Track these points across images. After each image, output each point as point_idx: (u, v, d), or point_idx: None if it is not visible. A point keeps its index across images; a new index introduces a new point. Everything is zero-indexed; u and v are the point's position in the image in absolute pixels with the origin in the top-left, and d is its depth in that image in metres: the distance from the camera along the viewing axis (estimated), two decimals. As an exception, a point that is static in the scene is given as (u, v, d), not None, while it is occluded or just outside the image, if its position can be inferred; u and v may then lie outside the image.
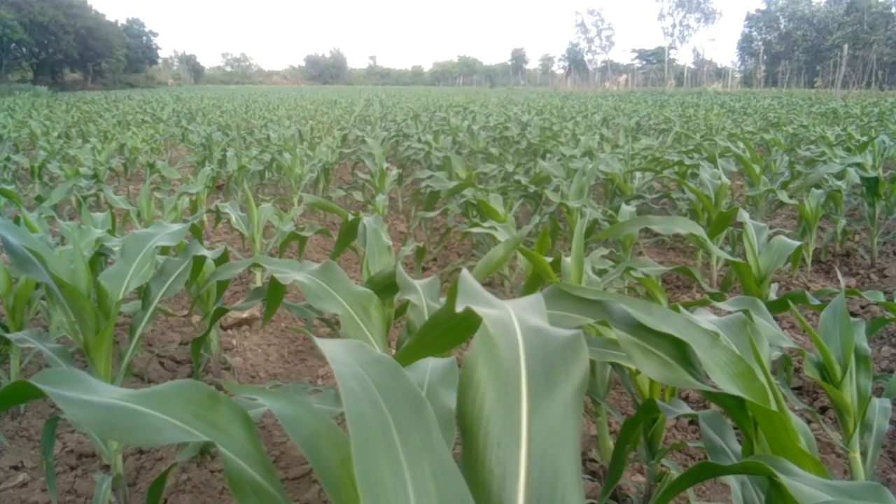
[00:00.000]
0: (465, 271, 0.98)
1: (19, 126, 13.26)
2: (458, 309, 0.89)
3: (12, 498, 2.12)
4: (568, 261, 2.08)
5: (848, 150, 6.82)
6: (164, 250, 2.43)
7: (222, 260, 2.41)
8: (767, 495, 1.09)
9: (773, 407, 1.10)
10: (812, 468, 1.07)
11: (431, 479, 0.60)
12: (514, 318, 0.86)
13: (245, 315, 3.54)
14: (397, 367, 0.76)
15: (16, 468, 2.29)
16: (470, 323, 1.12)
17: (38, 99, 31.54)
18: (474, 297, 0.94)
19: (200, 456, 2.29)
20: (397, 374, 0.75)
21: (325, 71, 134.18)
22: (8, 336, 1.96)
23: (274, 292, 1.92)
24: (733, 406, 1.15)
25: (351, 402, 0.66)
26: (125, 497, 1.90)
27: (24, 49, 59.22)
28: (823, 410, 2.70)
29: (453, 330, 1.14)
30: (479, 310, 0.85)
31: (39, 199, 5.04)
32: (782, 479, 0.91)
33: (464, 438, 0.69)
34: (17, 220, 3.07)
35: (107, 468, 2.20)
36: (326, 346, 0.80)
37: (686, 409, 1.48)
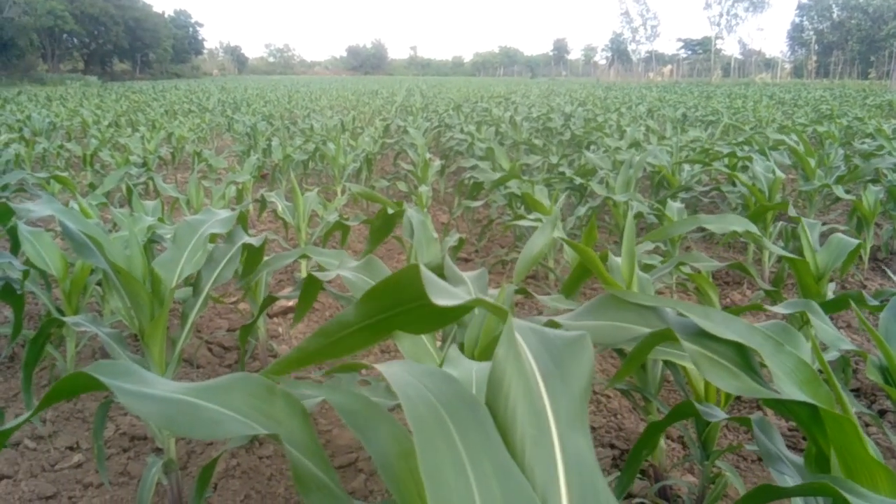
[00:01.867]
0: (422, 267, 0.96)
1: (71, 115, 13.64)
2: (444, 303, 0.88)
3: (68, 478, 2.18)
4: (618, 260, 2.03)
5: (907, 143, 6.57)
6: (212, 237, 2.46)
7: (262, 248, 2.41)
8: (833, 511, 1.05)
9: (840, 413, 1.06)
10: (883, 477, 1.03)
11: (493, 477, 0.61)
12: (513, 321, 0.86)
13: (291, 303, 3.57)
14: (448, 375, 0.78)
15: (71, 449, 2.35)
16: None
17: (89, 88, 32.40)
18: (442, 291, 0.93)
19: (250, 443, 2.32)
20: (449, 380, 0.77)
21: (367, 61, 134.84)
22: (65, 319, 2.01)
23: (309, 288, 1.89)
24: (803, 414, 1.10)
25: (410, 408, 0.67)
26: (177, 481, 1.94)
27: (75, 40, 60.86)
28: (882, 414, 2.61)
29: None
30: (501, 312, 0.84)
31: (92, 187, 5.17)
32: (851, 500, 0.88)
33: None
34: (68, 206, 3.15)
35: (159, 451, 2.25)
36: (383, 368, 0.81)
37: (721, 415, 1.43)
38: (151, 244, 2.84)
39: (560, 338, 0.86)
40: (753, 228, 2.29)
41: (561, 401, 0.72)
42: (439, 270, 1.75)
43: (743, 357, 1.12)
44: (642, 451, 1.57)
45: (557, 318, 1.20)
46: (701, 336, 1.12)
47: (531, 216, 3.43)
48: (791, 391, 1.05)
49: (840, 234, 2.48)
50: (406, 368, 0.76)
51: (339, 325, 1.05)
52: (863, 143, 7.23)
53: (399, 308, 1.07)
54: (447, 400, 0.68)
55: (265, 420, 0.89)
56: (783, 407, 1.09)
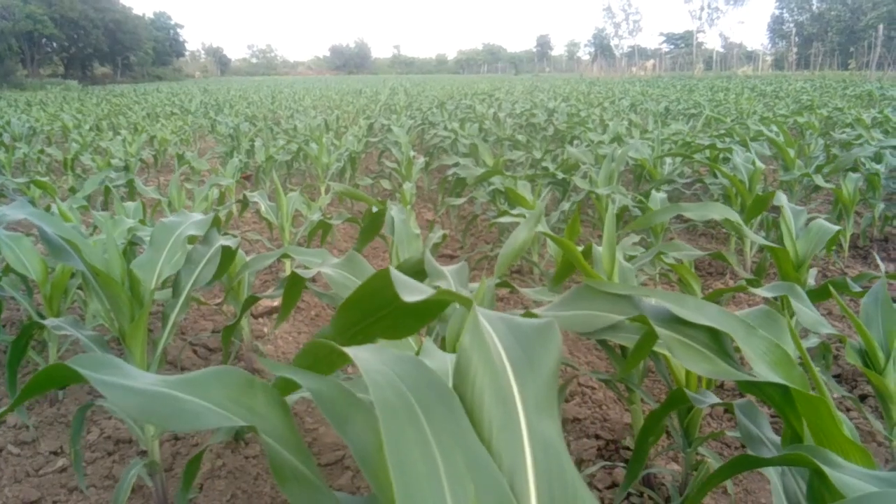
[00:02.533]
0: (391, 269, 0.97)
1: (52, 119, 13.51)
2: (411, 299, 0.89)
3: (52, 482, 2.17)
4: (599, 249, 2.05)
5: (885, 132, 6.64)
6: (191, 239, 2.45)
7: (236, 249, 2.39)
8: (809, 485, 1.06)
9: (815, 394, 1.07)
10: (857, 456, 1.04)
11: (464, 466, 0.60)
12: (476, 308, 0.87)
13: (275, 303, 3.56)
14: (419, 361, 0.78)
15: (55, 454, 2.33)
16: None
17: (69, 93, 32.10)
18: (411, 289, 0.94)
19: (235, 442, 2.31)
20: (420, 366, 0.76)
21: (350, 61, 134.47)
22: (44, 322, 1.99)
23: (293, 287, 1.88)
24: (776, 395, 1.12)
25: (378, 393, 0.66)
26: (162, 482, 1.93)
27: (54, 44, 60.29)
28: (863, 398, 2.64)
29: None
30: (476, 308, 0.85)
31: (73, 191, 5.12)
32: (826, 469, 0.89)
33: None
34: (48, 209, 3.12)
35: (143, 454, 2.24)
36: (352, 351, 0.80)
37: (715, 399, 1.45)
38: (133, 246, 2.83)
39: (528, 325, 0.86)
40: (733, 216, 2.30)
41: (529, 386, 0.73)
42: (420, 266, 1.76)
43: (716, 341, 1.13)
44: (648, 440, 1.58)
45: (535, 311, 1.21)
46: (675, 322, 1.13)
47: (515, 211, 3.44)
48: (764, 373, 1.06)
49: (821, 221, 2.50)
50: (377, 354, 0.76)
51: (321, 347, 1.06)
52: (842, 132, 7.30)
53: (376, 314, 1.07)
54: (417, 387, 0.68)
55: (245, 412, 0.89)
56: (756, 389, 1.10)
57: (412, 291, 0.94)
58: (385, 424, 0.60)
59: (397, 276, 0.97)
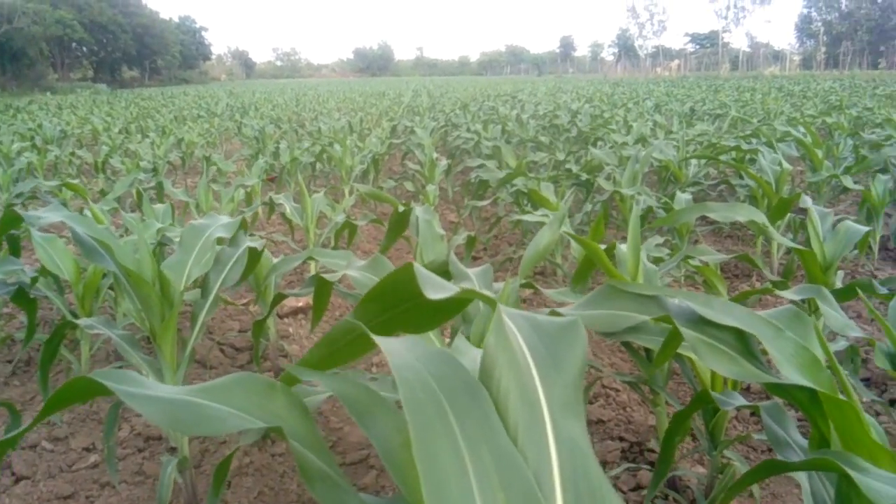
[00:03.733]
0: (416, 265, 0.98)
1: (82, 123, 13.77)
2: (436, 296, 0.90)
3: (85, 478, 2.22)
4: (623, 249, 2.05)
5: (917, 132, 6.52)
6: (219, 241, 2.49)
7: (262, 250, 2.42)
8: (837, 490, 1.06)
9: (842, 397, 1.06)
10: (887, 461, 1.03)
11: (492, 462, 0.61)
12: (500, 307, 0.88)
13: (301, 304, 3.60)
14: (451, 356, 0.78)
15: (87, 450, 2.39)
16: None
17: (99, 96, 32.67)
18: (436, 286, 0.95)
19: (262, 440, 2.34)
20: (451, 362, 0.77)
21: (373, 63, 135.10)
22: (77, 322, 2.04)
23: (321, 291, 1.90)
24: (803, 398, 1.11)
25: (406, 390, 0.67)
26: (191, 479, 1.96)
27: (84, 48, 61.44)
28: (893, 403, 2.60)
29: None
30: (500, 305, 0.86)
31: (103, 193, 5.22)
32: (853, 475, 0.88)
33: None
34: (80, 211, 3.19)
35: (173, 450, 2.28)
36: (383, 342, 0.81)
37: (741, 401, 1.44)
38: (162, 247, 2.88)
39: (552, 324, 0.87)
40: (759, 217, 2.28)
41: (554, 386, 0.73)
42: (445, 268, 1.77)
43: (742, 343, 1.12)
44: (674, 439, 1.57)
45: (559, 310, 1.22)
46: (700, 323, 1.12)
47: (538, 213, 3.44)
48: (791, 375, 1.06)
49: (849, 222, 2.47)
50: (407, 346, 0.77)
51: (342, 331, 1.08)
52: (872, 133, 7.18)
53: (398, 308, 1.09)
54: (447, 382, 0.68)
55: (266, 416, 0.91)
56: (783, 391, 1.10)
57: (436, 288, 0.95)
58: (412, 420, 0.61)
59: (421, 272, 0.98)
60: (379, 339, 0.79)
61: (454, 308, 1.13)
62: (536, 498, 0.58)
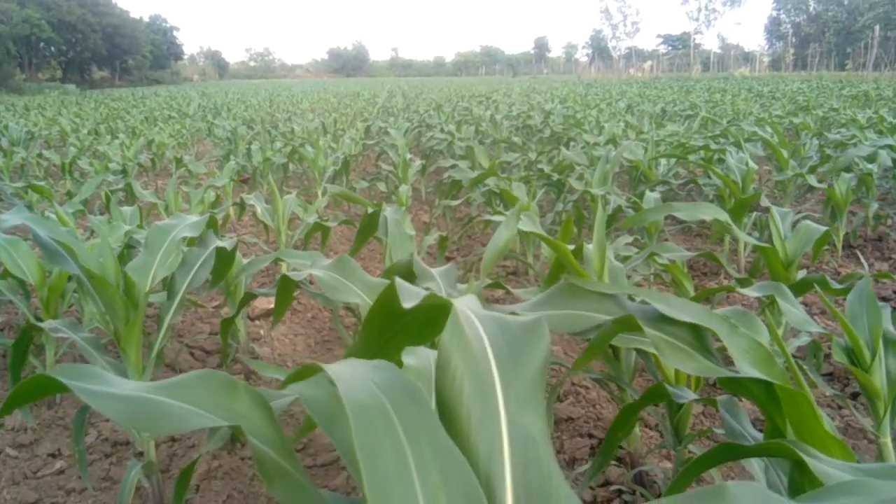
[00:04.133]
0: (398, 279, 1.00)
1: (50, 124, 13.53)
2: (407, 306, 0.92)
3: (50, 485, 2.19)
4: (590, 248, 2.07)
5: (880, 132, 6.67)
6: (189, 242, 2.47)
7: (233, 251, 2.41)
8: (790, 478, 1.09)
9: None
10: (837, 449, 1.06)
11: (432, 457, 0.63)
12: (468, 308, 0.90)
13: (272, 305, 3.58)
14: (391, 366, 0.80)
15: (52, 456, 2.35)
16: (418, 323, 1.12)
17: (68, 97, 32.12)
18: (413, 296, 0.97)
19: (231, 444, 2.33)
20: (391, 369, 0.79)
21: (348, 63, 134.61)
22: (40, 325, 2.01)
23: (284, 290, 1.89)
24: (758, 391, 1.14)
25: (347, 391, 0.69)
26: (158, 483, 1.95)
27: (52, 48, 60.35)
28: (855, 396, 2.67)
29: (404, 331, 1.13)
30: (454, 301, 0.87)
31: (69, 195, 5.14)
32: (806, 459, 0.91)
33: (444, 418, 0.72)
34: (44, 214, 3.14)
35: (140, 455, 2.25)
36: (329, 368, 0.83)
37: (692, 396, 1.47)
38: (130, 250, 2.85)
39: (517, 323, 0.88)
40: (723, 216, 2.33)
41: (512, 381, 0.75)
42: (409, 268, 1.78)
43: (699, 339, 1.15)
44: (617, 434, 1.60)
45: (515, 307, 1.23)
46: (661, 321, 1.15)
47: (508, 212, 3.46)
48: (747, 370, 1.08)
49: (809, 222, 2.53)
50: (353, 365, 0.79)
51: (309, 366, 1.10)
52: (837, 133, 7.33)
53: (393, 329, 1.10)
54: (386, 385, 0.70)
55: (228, 414, 0.91)
56: (739, 386, 1.12)
57: (411, 298, 0.97)
58: (354, 418, 0.62)
59: (402, 285, 1.00)
60: (326, 366, 0.81)
61: (441, 318, 1.14)
62: (477, 491, 0.59)
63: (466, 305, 0.93)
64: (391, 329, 1.10)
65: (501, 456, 0.65)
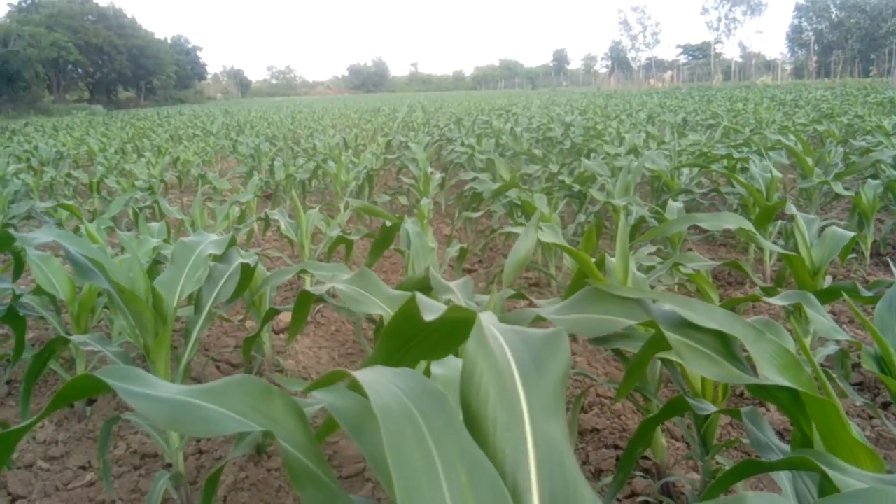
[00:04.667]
0: (418, 294, 1.01)
1: (78, 144, 13.82)
2: (429, 318, 0.93)
3: (81, 497, 2.22)
4: (612, 259, 2.07)
5: (906, 138, 6.57)
6: (213, 258, 2.51)
7: (255, 266, 2.43)
8: (819, 486, 1.08)
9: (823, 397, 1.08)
10: (866, 458, 1.05)
11: (459, 460, 0.64)
12: (489, 321, 0.91)
13: (295, 319, 3.61)
14: (417, 373, 0.81)
15: (83, 468, 2.39)
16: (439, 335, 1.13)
17: (95, 117, 32.80)
18: (433, 309, 0.99)
19: (257, 455, 2.35)
20: (417, 377, 0.80)
21: (368, 80, 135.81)
22: (70, 338, 2.06)
23: (302, 303, 1.90)
24: (785, 399, 1.13)
25: (377, 399, 0.70)
26: (187, 494, 1.97)
27: (79, 70, 61.72)
28: (886, 406, 2.62)
29: (421, 345, 1.14)
30: (480, 313, 0.89)
31: (96, 213, 5.24)
32: (829, 472, 0.90)
33: (470, 425, 0.74)
34: (76, 231, 3.21)
35: (169, 467, 2.28)
36: (357, 374, 0.85)
37: (712, 408, 1.46)
38: (158, 265, 2.90)
39: (537, 335, 0.90)
40: (747, 225, 2.31)
41: (535, 391, 0.76)
42: (426, 283, 1.80)
43: (725, 345, 1.14)
44: (637, 448, 1.59)
45: (542, 312, 1.23)
46: (684, 326, 1.14)
47: (528, 223, 3.47)
48: (773, 377, 1.08)
49: (835, 228, 2.50)
50: (379, 372, 0.80)
51: (336, 372, 1.11)
52: (862, 140, 7.24)
53: (414, 340, 1.12)
54: (414, 394, 0.71)
55: (262, 419, 0.93)
56: (765, 392, 1.12)
57: (431, 311, 0.99)
58: (385, 424, 0.63)
59: (423, 300, 1.02)
60: (356, 373, 0.82)
61: (463, 329, 1.15)
62: (502, 492, 0.60)
63: (487, 319, 0.95)
64: (411, 341, 1.12)
65: (527, 461, 0.66)
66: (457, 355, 1.30)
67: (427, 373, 1.11)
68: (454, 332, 1.09)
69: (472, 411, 0.73)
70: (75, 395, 0.96)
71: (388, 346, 1.11)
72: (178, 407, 0.88)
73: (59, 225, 4.87)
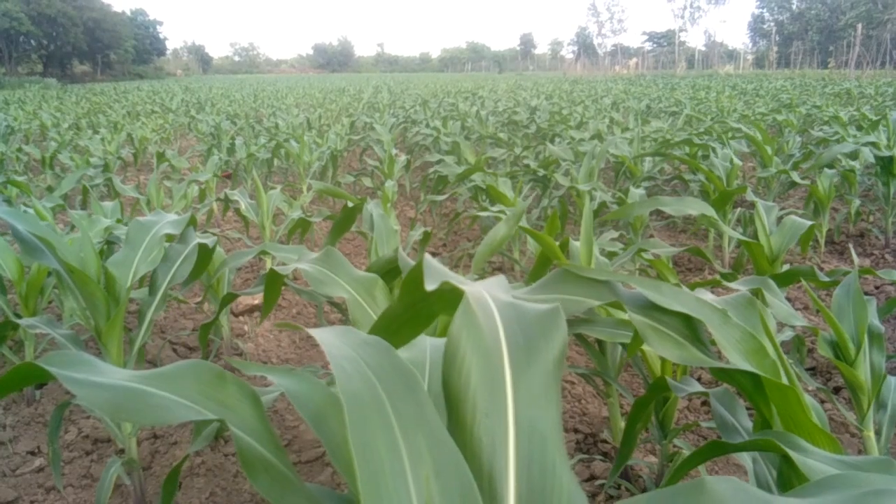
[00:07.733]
0: (427, 256, 0.97)
1: (30, 118, 13.34)
2: (431, 287, 0.89)
3: (29, 482, 2.15)
4: (577, 243, 2.07)
5: (861, 129, 6.73)
6: (168, 238, 2.43)
7: (213, 248, 2.37)
8: (779, 472, 1.08)
9: (785, 382, 1.09)
10: (825, 443, 1.06)
11: (426, 450, 0.61)
12: (487, 294, 0.86)
13: (256, 301, 3.55)
14: (388, 347, 0.77)
15: (32, 453, 2.31)
16: (431, 309, 1.11)
17: (48, 91, 31.69)
18: (442, 276, 0.94)
19: (214, 440, 2.30)
20: (388, 353, 0.76)
21: (333, 59, 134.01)
22: (18, 321, 1.97)
23: (272, 284, 1.87)
24: (746, 383, 1.14)
25: (344, 382, 0.66)
26: (140, 481, 1.92)
27: (32, 42, 59.45)
28: (837, 391, 2.68)
29: (417, 318, 1.12)
30: (461, 286, 0.85)
31: (50, 190, 5.06)
32: (792, 454, 0.90)
33: (450, 410, 0.70)
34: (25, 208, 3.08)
35: (122, 452, 2.22)
36: (318, 333, 0.80)
37: (697, 387, 1.47)
38: (111, 246, 2.81)
39: (534, 311, 0.85)
40: (709, 211, 2.33)
41: (524, 373, 0.72)
42: (394, 264, 1.76)
43: (690, 329, 1.14)
44: (636, 427, 1.58)
45: (514, 294, 1.21)
46: (650, 308, 1.13)
47: (495, 208, 3.46)
48: (737, 361, 1.08)
49: (794, 217, 2.54)
50: (342, 336, 0.76)
51: (390, 319, 1.10)
52: (820, 130, 7.39)
53: (434, 294, 1.08)
54: (383, 373, 0.68)
55: (215, 406, 0.89)
56: (728, 376, 1.12)
57: (433, 279, 0.94)
58: (350, 410, 0.60)
59: (428, 263, 0.98)
60: (314, 332, 0.78)
61: (454, 300, 1.11)
62: (470, 483, 0.58)
63: (487, 289, 0.90)
64: (413, 308, 1.09)
65: (506, 450, 0.63)
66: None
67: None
68: (444, 301, 1.06)
69: (452, 395, 0.70)
70: (16, 385, 0.91)
71: (408, 296, 1.07)
72: (125, 394, 0.83)
73: (9, 202, 4.69)
